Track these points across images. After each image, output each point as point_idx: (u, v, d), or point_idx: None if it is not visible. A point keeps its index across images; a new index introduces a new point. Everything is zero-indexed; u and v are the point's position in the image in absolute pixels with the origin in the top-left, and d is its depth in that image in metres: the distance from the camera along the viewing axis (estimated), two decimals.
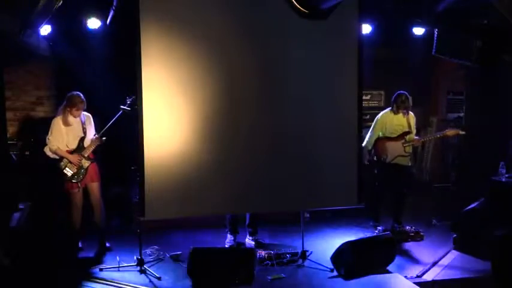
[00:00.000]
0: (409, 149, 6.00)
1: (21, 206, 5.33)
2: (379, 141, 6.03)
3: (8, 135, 5.91)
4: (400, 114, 5.94)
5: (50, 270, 4.68)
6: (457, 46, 5.51)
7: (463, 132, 6.05)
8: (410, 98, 6.02)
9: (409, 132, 5.96)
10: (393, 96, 6.01)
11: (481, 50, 5.23)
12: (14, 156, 6.14)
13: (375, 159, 6.06)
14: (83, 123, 5.29)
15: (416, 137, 6.03)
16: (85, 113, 5.33)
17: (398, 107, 5.91)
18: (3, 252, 4.40)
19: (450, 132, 5.99)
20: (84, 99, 5.20)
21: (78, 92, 5.20)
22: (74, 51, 6.30)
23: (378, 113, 6.20)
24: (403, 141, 5.94)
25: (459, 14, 5.34)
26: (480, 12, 5.10)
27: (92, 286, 4.48)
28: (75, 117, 5.22)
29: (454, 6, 5.17)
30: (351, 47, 5.00)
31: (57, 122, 5.22)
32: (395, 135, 5.96)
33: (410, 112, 6.03)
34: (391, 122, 5.99)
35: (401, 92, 5.95)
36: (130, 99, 5.02)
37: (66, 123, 5.21)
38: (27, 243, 4.93)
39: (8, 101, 6.21)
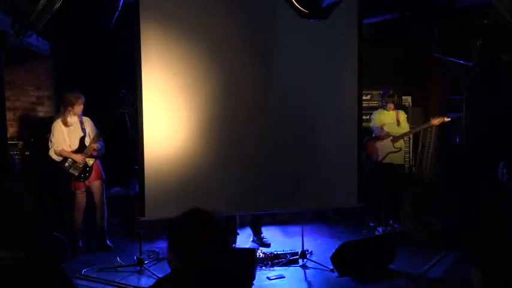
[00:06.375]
0: (400, 145, 6.04)
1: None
2: (368, 142, 6.08)
3: (8, 135, 5.90)
4: (391, 111, 6.06)
5: (49, 270, 4.66)
6: (457, 46, 5.52)
7: (449, 119, 6.07)
8: (396, 96, 6.17)
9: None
10: (381, 94, 6.22)
11: (481, 50, 5.24)
12: (14, 157, 6.13)
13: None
14: (82, 123, 5.32)
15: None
16: (83, 117, 5.37)
17: (386, 101, 6.07)
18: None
19: (435, 120, 5.99)
20: (81, 95, 5.25)
21: (73, 91, 5.24)
22: (74, 51, 6.29)
23: None
24: (391, 137, 5.99)
25: (459, 14, 5.34)
26: (480, 12, 5.11)
27: (91, 286, 4.47)
28: (76, 114, 5.26)
29: (454, 6, 5.18)
30: (351, 46, 5.01)
31: (58, 124, 5.29)
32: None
33: (400, 110, 6.20)
34: (385, 119, 6.11)
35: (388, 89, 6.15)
36: (122, 94, 5.02)
37: (66, 124, 5.26)
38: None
39: (8, 101, 6.21)
